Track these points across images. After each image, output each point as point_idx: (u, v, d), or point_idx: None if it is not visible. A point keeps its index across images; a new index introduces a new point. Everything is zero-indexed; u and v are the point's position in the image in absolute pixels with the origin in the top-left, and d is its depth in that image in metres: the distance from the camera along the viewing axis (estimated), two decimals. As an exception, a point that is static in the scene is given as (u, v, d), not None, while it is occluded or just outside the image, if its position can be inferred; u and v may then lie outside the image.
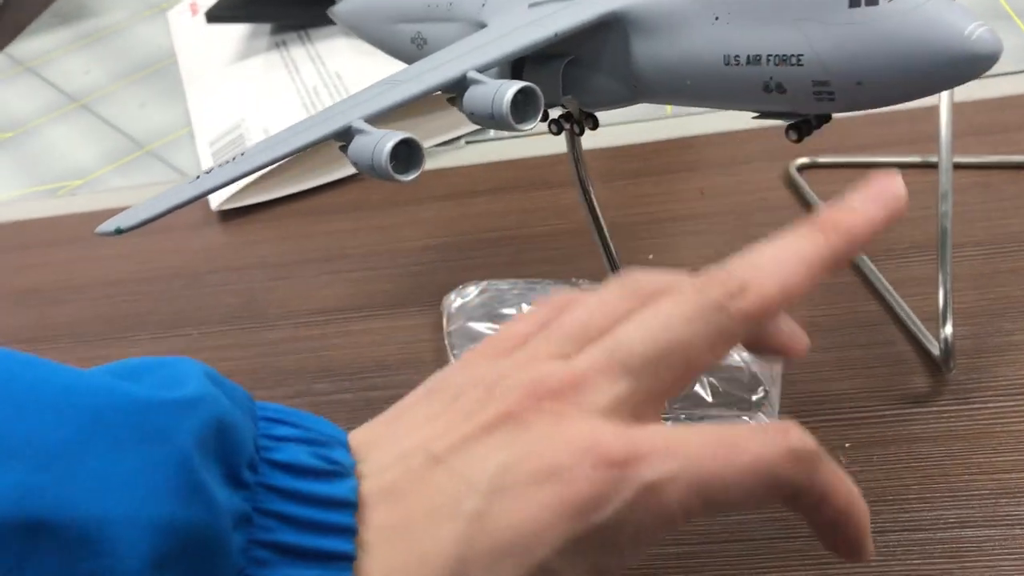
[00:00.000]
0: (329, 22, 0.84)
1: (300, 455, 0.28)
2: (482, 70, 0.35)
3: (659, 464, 0.27)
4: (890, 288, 0.53)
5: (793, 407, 0.48)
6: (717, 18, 0.33)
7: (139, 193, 0.76)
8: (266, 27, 0.88)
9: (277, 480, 0.27)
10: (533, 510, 0.26)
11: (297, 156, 0.73)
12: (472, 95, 0.35)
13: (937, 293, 0.49)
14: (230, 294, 0.64)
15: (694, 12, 0.34)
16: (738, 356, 0.51)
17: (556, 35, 0.35)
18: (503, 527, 0.26)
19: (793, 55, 0.31)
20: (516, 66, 0.38)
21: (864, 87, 0.30)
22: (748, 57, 0.32)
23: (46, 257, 0.71)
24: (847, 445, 0.46)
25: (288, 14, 0.86)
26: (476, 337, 0.55)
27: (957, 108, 0.50)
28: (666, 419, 0.49)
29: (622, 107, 0.38)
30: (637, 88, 0.37)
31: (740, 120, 0.70)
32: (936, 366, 0.49)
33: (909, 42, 0.29)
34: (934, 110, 0.51)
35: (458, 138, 0.73)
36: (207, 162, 0.75)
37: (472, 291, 0.58)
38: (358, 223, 0.68)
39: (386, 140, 0.33)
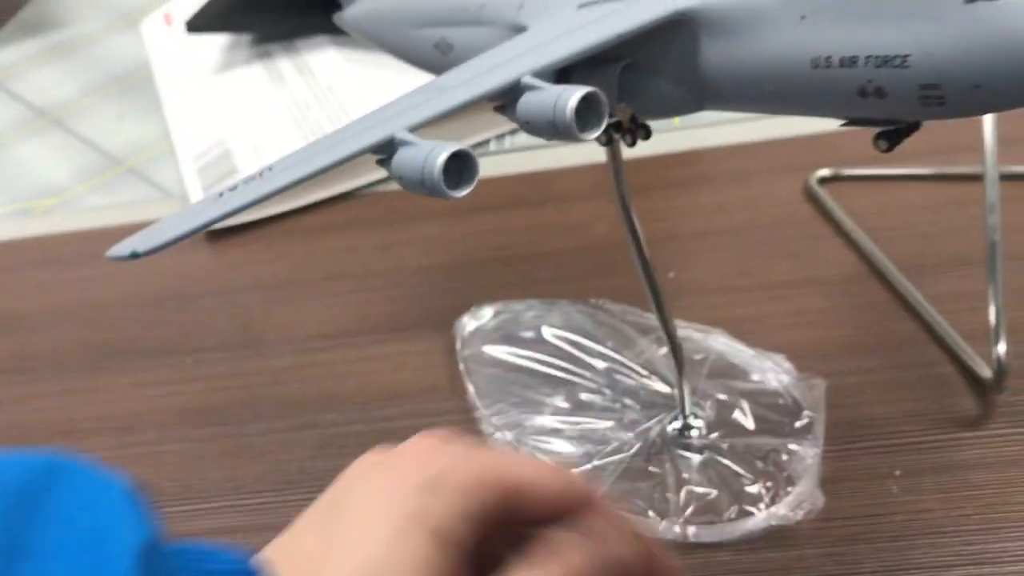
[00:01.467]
0: (318, 31, 0.81)
1: None
2: (538, 75, 0.32)
3: None
4: (927, 306, 0.51)
5: (838, 434, 0.46)
6: (804, 16, 0.30)
7: (120, 212, 0.72)
8: (247, 37, 0.84)
9: None
10: None
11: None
12: (529, 102, 0.32)
13: (985, 310, 0.47)
14: (224, 318, 0.60)
15: (777, 9, 0.31)
16: (776, 380, 0.48)
17: (619, 36, 0.32)
18: None
19: (897, 55, 0.28)
20: (562, 74, 0.35)
21: (982, 90, 0.27)
22: (841, 59, 0.29)
23: (24, 280, 0.67)
24: (897, 473, 0.44)
25: (276, 23, 0.82)
26: (493, 363, 0.52)
27: (1003, 115, 0.47)
28: (705, 448, 0.46)
29: (683, 115, 0.36)
30: (704, 94, 0.34)
31: (752, 132, 0.68)
32: (983, 387, 0.46)
33: None
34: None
35: (457, 152, 0.70)
36: (192, 180, 0.72)
37: (487, 313, 0.55)
38: (357, 241, 0.65)
39: (438, 152, 0.30)
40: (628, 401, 0.49)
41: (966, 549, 0.41)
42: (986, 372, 0.46)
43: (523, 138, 0.71)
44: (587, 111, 0.31)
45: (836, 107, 0.31)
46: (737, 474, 0.45)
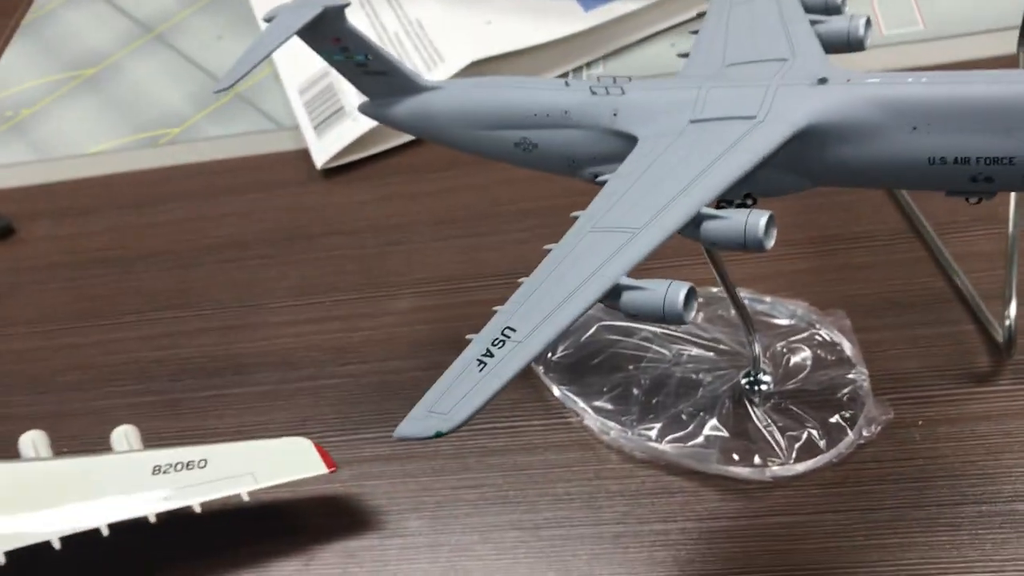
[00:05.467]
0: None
1: None
2: (708, 205, 0.40)
3: None
4: (955, 265, 0.60)
5: (875, 384, 0.56)
6: (915, 128, 0.39)
7: (237, 143, 0.81)
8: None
9: None
10: None
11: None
12: (716, 228, 0.39)
13: (1002, 273, 0.55)
14: (348, 260, 0.71)
15: (889, 123, 0.39)
16: (806, 322, 0.58)
17: (763, 158, 0.41)
18: None
19: (1006, 157, 0.38)
20: None
21: None
22: (956, 158, 0.39)
23: (168, 215, 0.77)
24: (920, 423, 0.55)
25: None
26: (565, 367, 0.59)
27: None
28: (777, 395, 0.55)
29: (796, 192, 0.44)
30: (819, 180, 0.43)
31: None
32: (997, 346, 0.56)
33: None
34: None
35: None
36: (300, 112, 0.80)
37: None
38: (456, 181, 0.73)
39: (675, 290, 0.37)
40: (699, 368, 0.57)
41: (970, 490, 0.52)
42: (999, 335, 0.56)
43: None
44: (769, 225, 0.39)
45: (946, 187, 0.41)
46: (813, 411, 0.54)
